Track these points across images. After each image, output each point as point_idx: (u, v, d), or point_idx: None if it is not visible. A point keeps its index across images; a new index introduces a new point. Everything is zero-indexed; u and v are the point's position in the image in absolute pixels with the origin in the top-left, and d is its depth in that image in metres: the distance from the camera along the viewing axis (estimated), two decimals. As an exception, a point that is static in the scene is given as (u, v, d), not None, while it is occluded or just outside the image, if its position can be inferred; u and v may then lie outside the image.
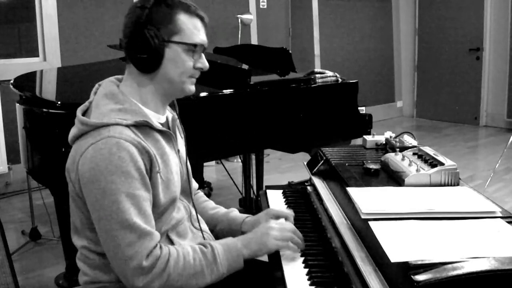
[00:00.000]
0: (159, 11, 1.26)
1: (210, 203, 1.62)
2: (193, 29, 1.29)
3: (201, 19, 1.32)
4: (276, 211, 1.48)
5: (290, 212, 1.48)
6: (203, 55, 1.34)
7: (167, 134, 1.34)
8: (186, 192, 1.43)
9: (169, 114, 1.42)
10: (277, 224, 1.35)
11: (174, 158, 1.35)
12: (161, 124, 1.34)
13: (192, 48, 1.29)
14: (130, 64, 1.30)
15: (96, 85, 1.37)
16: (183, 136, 1.49)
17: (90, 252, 1.29)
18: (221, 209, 1.59)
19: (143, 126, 1.27)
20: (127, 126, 1.23)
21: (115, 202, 1.16)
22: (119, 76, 1.37)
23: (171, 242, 1.32)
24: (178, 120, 1.44)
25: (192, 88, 1.35)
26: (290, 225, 1.37)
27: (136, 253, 1.16)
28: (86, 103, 1.35)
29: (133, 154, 1.19)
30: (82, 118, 1.26)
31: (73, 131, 1.29)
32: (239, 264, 1.28)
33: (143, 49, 1.25)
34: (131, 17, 1.27)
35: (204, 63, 1.34)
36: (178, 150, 1.40)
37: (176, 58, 1.28)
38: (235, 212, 1.56)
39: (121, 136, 1.20)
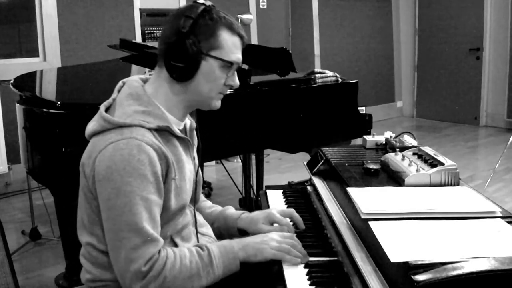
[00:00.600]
0: (203, 24, 1.26)
1: (207, 203, 1.63)
2: (232, 46, 1.29)
3: (241, 38, 1.32)
4: (278, 219, 1.45)
5: (289, 222, 1.45)
6: (235, 73, 1.35)
7: (185, 141, 1.35)
8: (193, 198, 1.44)
9: (187, 121, 1.43)
10: (278, 236, 1.34)
11: (189, 166, 1.36)
12: (180, 130, 1.35)
13: (228, 65, 1.30)
14: (163, 69, 1.30)
15: (120, 83, 1.37)
16: (196, 143, 1.49)
17: (94, 250, 1.29)
18: (218, 208, 1.60)
19: (164, 131, 1.27)
20: (149, 129, 1.24)
21: (127, 203, 1.17)
22: (143, 76, 1.38)
23: (175, 246, 1.32)
24: (195, 129, 1.45)
25: (218, 104, 1.36)
26: (290, 237, 1.35)
27: (139, 257, 1.17)
28: (110, 100, 1.34)
29: (152, 158, 1.20)
30: (106, 115, 1.26)
31: (93, 126, 1.28)
32: (235, 267, 1.29)
33: (180, 57, 1.25)
34: (175, 24, 1.26)
35: (235, 81, 1.34)
36: (194, 158, 1.41)
37: (210, 73, 1.29)
38: (231, 210, 1.57)
39: (143, 139, 1.20)
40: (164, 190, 1.25)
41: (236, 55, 1.31)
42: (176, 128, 1.32)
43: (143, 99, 1.29)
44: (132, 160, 1.17)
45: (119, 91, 1.35)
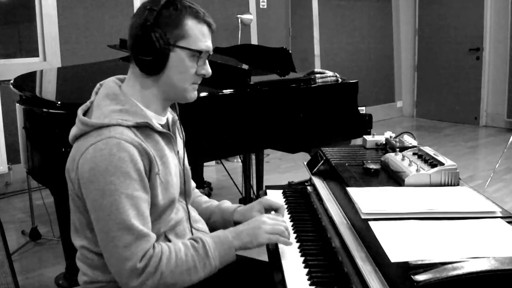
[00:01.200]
0: (167, 15, 1.25)
1: (203, 198, 1.63)
2: (199, 35, 1.28)
3: (209, 25, 1.31)
4: (270, 202, 1.50)
5: (283, 204, 1.50)
6: (207, 61, 1.34)
7: (167, 135, 1.34)
8: (183, 192, 1.43)
9: (169, 115, 1.42)
10: (270, 219, 1.35)
11: (173, 160, 1.35)
12: (161, 125, 1.34)
13: (197, 54, 1.29)
14: (134, 65, 1.30)
15: (98, 85, 1.37)
16: (182, 137, 1.49)
17: (89, 252, 1.29)
18: (214, 202, 1.61)
19: (144, 127, 1.27)
20: (128, 127, 1.23)
21: (113, 202, 1.17)
22: (121, 76, 1.37)
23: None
24: (178, 122, 1.45)
25: (194, 95, 1.35)
26: (283, 219, 1.38)
27: (132, 254, 1.17)
28: (87, 103, 1.34)
29: (133, 155, 1.19)
30: (83, 118, 1.26)
31: (73, 131, 1.29)
32: (231, 257, 1.29)
33: (148, 51, 1.24)
34: (139, 18, 1.26)
35: (207, 69, 1.33)
36: (178, 152, 1.41)
37: (180, 63, 1.28)
38: (227, 203, 1.58)
39: (122, 137, 1.20)
40: (150, 186, 1.24)
41: (205, 43, 1.30)
42: (157, 123, 1.32)
43: (120, 98, 1.29)
44: (113, 159, 1.17)
45: (96, 93, 1.34)
